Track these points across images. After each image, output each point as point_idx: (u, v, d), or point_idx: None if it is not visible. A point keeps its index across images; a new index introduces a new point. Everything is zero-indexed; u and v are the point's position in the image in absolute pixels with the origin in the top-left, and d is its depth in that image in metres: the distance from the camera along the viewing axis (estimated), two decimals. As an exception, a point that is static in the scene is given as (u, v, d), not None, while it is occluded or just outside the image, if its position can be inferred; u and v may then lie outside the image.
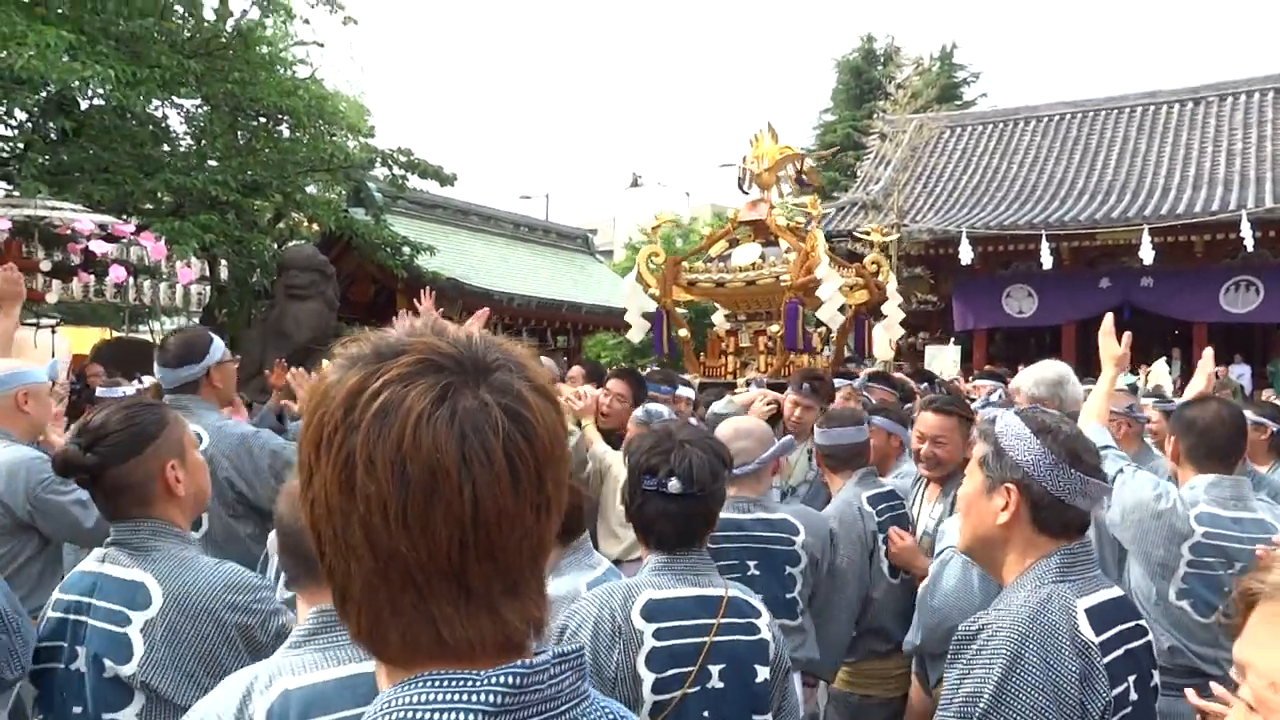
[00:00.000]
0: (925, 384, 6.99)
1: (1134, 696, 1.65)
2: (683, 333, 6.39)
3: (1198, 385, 3.62)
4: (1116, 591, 1.76)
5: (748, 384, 5.53)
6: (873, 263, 6.51)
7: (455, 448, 0.69)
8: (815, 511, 3.17)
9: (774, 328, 6.05)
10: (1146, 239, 16.18)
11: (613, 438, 4.20)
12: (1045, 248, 17.01)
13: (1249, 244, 15.67)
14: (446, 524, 0.69)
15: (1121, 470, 2.87)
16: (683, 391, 5.30)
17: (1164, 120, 20.82)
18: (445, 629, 0.71)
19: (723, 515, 2.24)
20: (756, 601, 2.11)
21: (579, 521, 2.52)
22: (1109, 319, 3.25)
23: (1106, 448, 2.83)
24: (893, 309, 6.49)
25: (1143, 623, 1.76)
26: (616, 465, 3.82)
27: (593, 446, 4.13)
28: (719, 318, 6.78)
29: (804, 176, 6.37)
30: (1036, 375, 3.69)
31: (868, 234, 7.08)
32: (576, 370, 5.90)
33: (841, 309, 5.97)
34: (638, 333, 6.46)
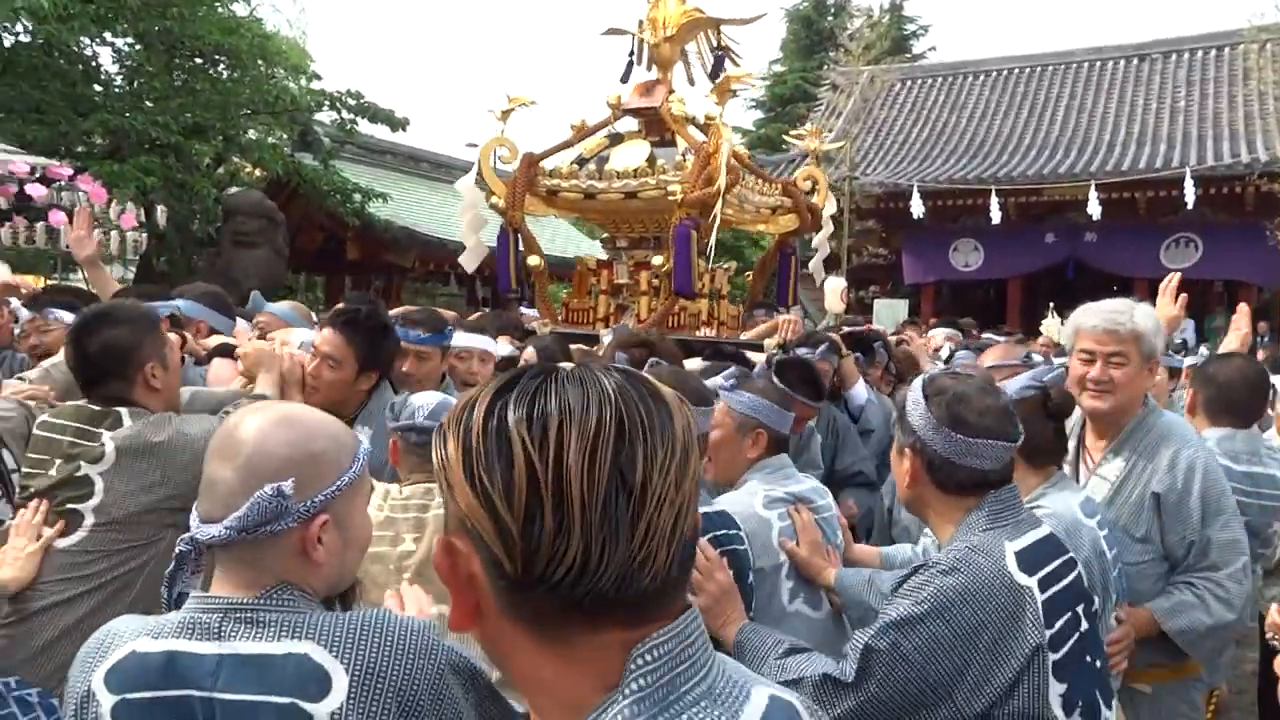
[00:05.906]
0: (861, 353, 4.74)
1: (1084, 626, 1.74)
2: (533, 260, 4.64)
3: (1231, 344, 3.69)
4: (1045, 530, 1.82)
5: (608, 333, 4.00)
6: (806, 178, 4.98)
7: None
8: None
9: (658, 259, 4.41)
10: (1094, 195, 16.42)
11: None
12: (994, 202, 17.18)
13: (1190, 201, 16.00)
14: None
15: None
16: (473, 341, 3.60)
17: (1110, 76, 21.06)
18: None
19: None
20: None
21: None
22: (1174, 277, 3.11)
23: None
24: (822, 240, 5.12)
25: (1073, 556, 1.82)
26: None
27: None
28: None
29: (723, 53, 4.57)
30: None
31: (800, 137, 5.33)
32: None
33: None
34: (473, 258, 4.90)
